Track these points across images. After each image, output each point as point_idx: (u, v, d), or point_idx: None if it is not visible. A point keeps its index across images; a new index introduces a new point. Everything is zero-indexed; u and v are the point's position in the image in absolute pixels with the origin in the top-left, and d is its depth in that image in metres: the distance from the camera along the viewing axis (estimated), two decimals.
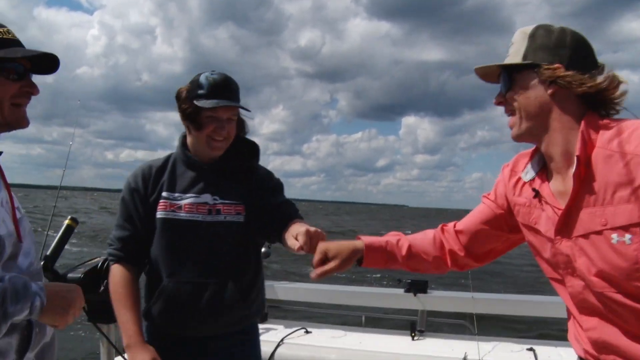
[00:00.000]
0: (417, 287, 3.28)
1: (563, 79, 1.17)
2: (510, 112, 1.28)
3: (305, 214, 1.91)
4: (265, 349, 2.78)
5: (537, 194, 1.28)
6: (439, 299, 3.31)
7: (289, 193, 1.97)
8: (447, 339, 3.09)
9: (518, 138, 1.28)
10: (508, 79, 1.26)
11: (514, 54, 1.25)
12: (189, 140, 1.87)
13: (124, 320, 1.77)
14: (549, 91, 1.19)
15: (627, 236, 1.06)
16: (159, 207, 1.80)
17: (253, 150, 1.93)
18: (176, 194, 1.81)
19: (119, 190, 1.94)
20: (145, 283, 1.88)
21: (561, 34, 1.21)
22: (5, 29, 1.29)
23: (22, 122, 1.33)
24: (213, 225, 1.79)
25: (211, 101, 1.73)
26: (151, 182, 1.84)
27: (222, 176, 1.85)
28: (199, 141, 1.82)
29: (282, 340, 2.93)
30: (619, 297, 1.10)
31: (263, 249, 2.06)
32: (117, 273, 1.83)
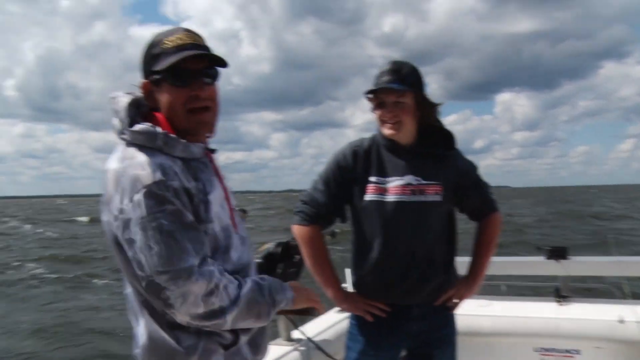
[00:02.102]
0: (558, 253, 3.24)
1: None
2: None
3: None
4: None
5: None
6: (583, 264, 3.27)
7: None
8: (596, 303, 3.05)
9: None
10: None
11: None
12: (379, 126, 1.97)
13: (324, 284, 2.03)
14: None
15: None
16: (368, 190, 1.94)
17: (449, 139, 2.03)
18: (383, 178, 1.95)
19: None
20: (352, 255, 2.07)
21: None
22: (175, 37, 1.25)
23: (201, 128, 1.30)
24: (417, 204, 1.92)
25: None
26: (360, 163, 1.97)
27: (421, 158, 1.97)
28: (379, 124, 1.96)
29: None
30: None
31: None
32: (308, 235, 1.99)
